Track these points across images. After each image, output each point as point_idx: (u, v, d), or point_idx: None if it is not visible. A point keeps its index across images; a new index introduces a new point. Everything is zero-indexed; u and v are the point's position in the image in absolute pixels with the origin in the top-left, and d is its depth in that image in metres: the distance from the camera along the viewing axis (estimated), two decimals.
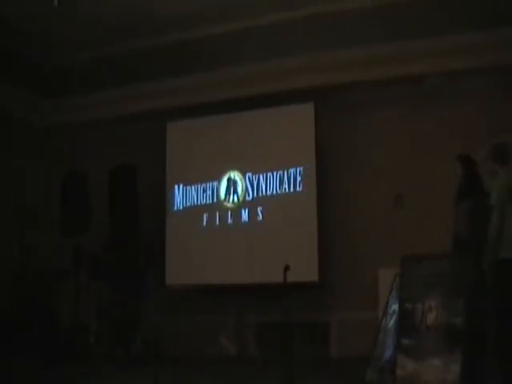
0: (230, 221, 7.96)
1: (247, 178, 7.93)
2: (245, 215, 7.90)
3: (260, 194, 7.86)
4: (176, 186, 8.26)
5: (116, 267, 7.90)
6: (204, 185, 8.13)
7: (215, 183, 8.08)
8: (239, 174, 7.97)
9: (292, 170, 7.72)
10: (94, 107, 8.83)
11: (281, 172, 7.77)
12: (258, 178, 7.88)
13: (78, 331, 7.77)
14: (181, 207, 8.25)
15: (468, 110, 7.23)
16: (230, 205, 8.01)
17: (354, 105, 7.84)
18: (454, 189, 5.74)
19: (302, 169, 7.68)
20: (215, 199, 8.06)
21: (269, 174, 7.83)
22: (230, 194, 8.00)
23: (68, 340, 7.66)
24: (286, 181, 7.74)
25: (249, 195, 7.91)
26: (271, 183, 7.81)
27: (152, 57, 8.42)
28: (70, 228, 8.12)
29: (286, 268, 5.32)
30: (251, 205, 7.89)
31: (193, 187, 8.19)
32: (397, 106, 7.66)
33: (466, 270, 5.02)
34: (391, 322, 5.55)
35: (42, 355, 7.20)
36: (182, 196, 8.24)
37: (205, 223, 8.07)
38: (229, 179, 8.02)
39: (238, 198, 7.96)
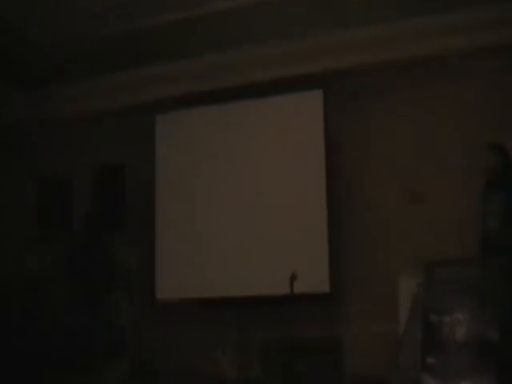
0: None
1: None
2: None
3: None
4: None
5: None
6: None
7: None
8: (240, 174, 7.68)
9: (298, 168, 7.39)
10: (74, 99, 8.52)
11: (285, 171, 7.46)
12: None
13: (74, 340, 7.60)
14: None
15: (496, 94, 6.76)
16: None
17: (366, 92, 7.44)
18: (482, 183, 5.61)
19: (309, 166, 7.33)
20: None
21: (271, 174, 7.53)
22: None
23: (65, 348, 7.53)
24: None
25: None
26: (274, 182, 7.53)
27: (139, 40, 7.81)
28: (50, 233, 8.10)
29: (293, 277, 5.22)
30: None
31: None
32: (415, 90, 7.21)
33: (500, 275, 4.76)
34: (414, 338, 5.17)
35: (39, 363, 7.18)
36: None
37: None
38: None
39: None
